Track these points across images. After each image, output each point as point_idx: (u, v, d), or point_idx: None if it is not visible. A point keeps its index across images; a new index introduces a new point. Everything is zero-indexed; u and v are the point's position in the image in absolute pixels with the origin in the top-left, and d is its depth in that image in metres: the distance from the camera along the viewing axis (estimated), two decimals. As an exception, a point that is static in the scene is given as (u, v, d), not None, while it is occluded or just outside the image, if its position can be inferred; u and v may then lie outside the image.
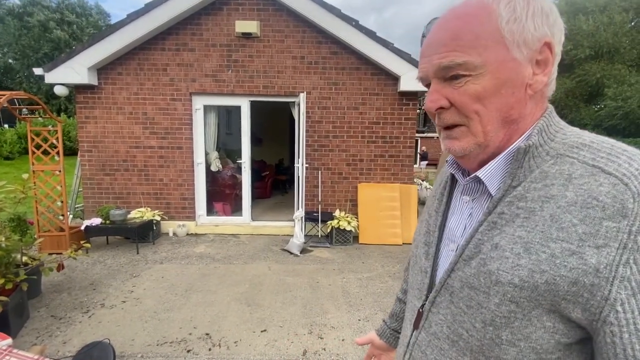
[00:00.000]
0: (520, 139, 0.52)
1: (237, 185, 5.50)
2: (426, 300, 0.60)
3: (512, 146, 0.52)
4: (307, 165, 4.88)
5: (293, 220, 4.84)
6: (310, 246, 4.61)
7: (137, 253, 4.19)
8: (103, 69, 4.91)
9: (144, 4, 4.67)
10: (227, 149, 6.40)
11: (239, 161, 5.25)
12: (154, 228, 4.68)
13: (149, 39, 4.82)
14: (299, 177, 4.69)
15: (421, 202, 7.66)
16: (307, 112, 4.88)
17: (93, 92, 4.96)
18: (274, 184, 7.96)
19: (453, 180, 0.66)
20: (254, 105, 5.15)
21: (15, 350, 1.37)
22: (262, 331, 2.55)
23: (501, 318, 0.48)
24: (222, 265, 3.85)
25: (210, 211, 5.34)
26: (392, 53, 4.73)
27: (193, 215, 5.16)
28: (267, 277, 3.55)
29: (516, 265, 0.46)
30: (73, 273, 3.55)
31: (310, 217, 4.88)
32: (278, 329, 2.58)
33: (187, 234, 5.03)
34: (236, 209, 5.41)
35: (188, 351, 2.29)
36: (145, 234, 4.55)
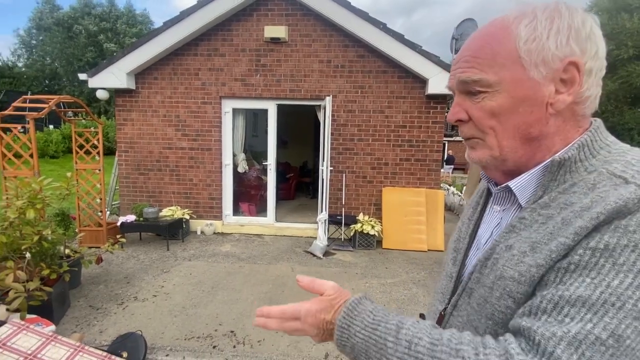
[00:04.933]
0: (559, 153, 0.51)
1: (263, 186, 5.61)
2: (449, 304, 0.62)
3: (548, 160, 0.52)
4: (331, 168, 4.90)
5: (316, 223, 4.87)
6: (333, 249, 4.61)
7: (168, 250, 4.38)
8: (140, 74, 5.19)
9: (179, 11, 4.90)
10: (254, 151, 6.56)
11: (265, 163, 5.35)
12: (184, 226, 4.86)
13: (182, 45, 5.04)
14: (323, 179, 4.71)
15: (448, 208, 7.46)
16: (333, 116, 4.90)
17: (131, 96, 5.24)
18: (297, 186, 8.04)
19: (488, 190, 0.67)
20: (280, 108, 5.25)
21: (58, 337, 1.48)
22: (284, 331, 2.59)
23: (499, 313, 0.49)
24: (246, 264, 3.94)
25: (236, 211, 5.49)
26: (419, 56, 4.66)
27: (220, 214, 5.32)
28: (290, 278, 3.59)
29: (520, 262, 0.48)
30: (109, 266, 3.76)
31: (333, 220, 4.88)
32: (300, 330, 2.61)
33: (214, 233, 5.18)
34: (261, 210, 5.52)
35: (214, 347, 2.37)
36: (176, 231, 4.74)
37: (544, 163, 0.52)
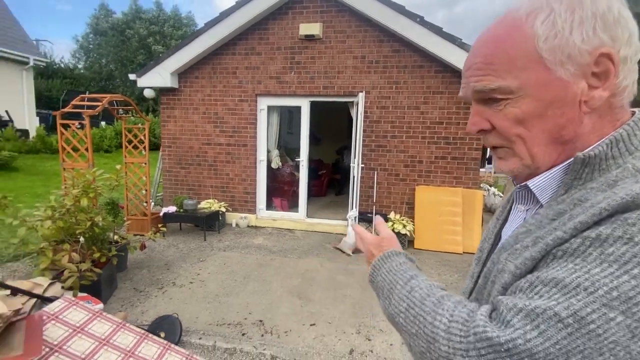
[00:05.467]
0: (585, 150, 0.47)
1: (295, 182, 5.70)
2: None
3: (571, 159, 0.48)
4: (363, 165, 4.86)
5: (347, 220, 4.86)
6: (364, 247, 4.57)
7: (205, 240, 4.61)
8: (183, 74, 5.48)
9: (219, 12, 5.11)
10: (288, 148, 6.68)
11: (298, 159, 5.43)
12: (220, 218, 5.09)
13: (222, 45, 5.25)
14: (354, 176, 4.69)
15: (488, 210, 7.08)
16: (366, 112, 4.85)
17: (174, 94, 5.56)
18: (330, 183, 8.06)
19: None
20: (314, 105, 5.29)
21: (104, 313, 1.62)
22: (311, 325, 2.63)
23: None
24: (277, 257, 4.04)
25: (269, 206, 5.63)
26: (459, 49, 4.45)
27: (254, 208, 5.50)
28: (319, 273, 3.63)
29: (519, 255, 0.47)
30: (152, 253, 4.04)
31: (364, 217, 4.84)
32: (327, 325, 2.63)
33: (248, 226, 5.37)
34: (293, 205, 5.61)
35: (243, 334, 2.46)
36: (212, 223, 4.98)
37: (567, 161, 0.49)
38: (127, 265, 3.54)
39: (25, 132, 10.31)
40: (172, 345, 1.60)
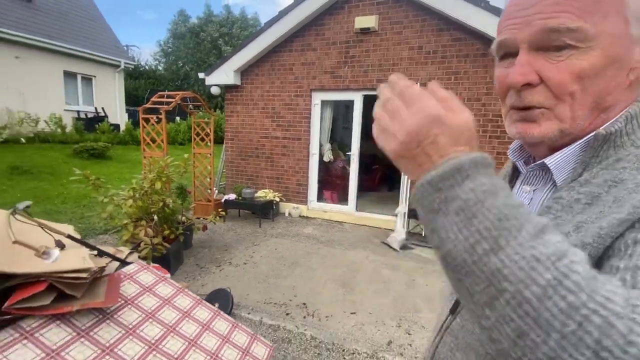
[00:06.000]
0: (604, 126, 0.45)
1: (346, 176, 5.77)
2: None
3: (591, 134, 0.45)
4: (415, 159, 4.72)
5: (395, 215, 4.79)
6: (412, 244, 4.48)
7: (259, 226, 4.94)
8: (245, 71, 5.88)
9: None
10: (342, 142, 6.75)
11: (349, 153, 5.48)
12: (274, 207, 5.40)
13: (280, 43, 5.50)
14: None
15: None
16: (421, 105, 4.69)
17: (237, 91, 6.00)
18: (383, 178, 7.95)
19: (514, 170, 0.61)
20: (369, 100, 5.28)
21: (169, 279, 1.90)
22: (352, 313, 2.70)
23: None
24: (325, 247, 4.18)
25: (320, 198, 5.80)
26: (529, 34, 4.06)
27: (305, 200, 5.71)
28: (363, 265, 3.67)
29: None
30: (213, 235, 4.47)
31: (414, 214, 4.71)
32: (367, 315, 2.68)
33: (300, 216, 5.60)
34: (343, 198, 5.70)
35: (287, 314, 2.64)
36: (267, 211, 5.30)
37: (586, 137, 0.46)
38: (192, 243, 3.98)
39: (117, 126, 11.97)
40: (222, 313, 1.81)
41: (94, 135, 10.28)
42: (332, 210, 5.61)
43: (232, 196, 5.31)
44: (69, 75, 11.55)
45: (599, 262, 0.39)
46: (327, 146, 5.92)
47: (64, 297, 1.26)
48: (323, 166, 5.92)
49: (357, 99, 5.22)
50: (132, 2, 67.50)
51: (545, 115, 0.46)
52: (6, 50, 9.62)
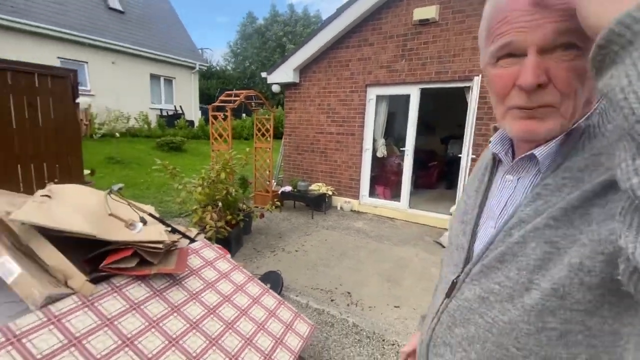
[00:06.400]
0: (582, 120, 0.51)
1: (400, 172, 5.68)
2: (462, 272, 0.62)
3: (571, 127, 0.51)
4: (474, 156, 4.47)
5: (450, 214, 4.60)
6: (468, 244, 4.27)
7: (312, 218, 5.16)
8: (303, 69, 6.12)
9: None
10: (395, 137, 6.64)
11: (403, 149, 5.39)
12: (326, 200, 5.57)
13: (337, 39, 5.60)
14: (462, 168, 4.38)
15: None
16: (482, 97, 4.41)
17: (296, 88, 6.27)
18: (440, 175, 7.61)
19: (494, 161, 0.66)
20: (427, 94, 5.12)
21: (227, 257, 2.16)
22: (395, 306, 2.73)
23: (535, 260, 0.49)
24: (373, 242, 4.22)
25: (372, 193, 5.81)
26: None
27: (357, 194, 5.77)
28: (412, 262, 3.63)
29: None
30: (270, 223, 4.80)
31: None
32: (411, 310, 2.69)
33: (351, 210, 5.69)
34: (395, 195, 5.63)
35: (332, 300, 2.77)
36: (320, 204, 5.50)
37: (568, 129, 0.51)
38: (251, 230, 4.34)
39: (191, 123, 13.30)
40: (271, 291, 2.01)
41: (173, 130, 11.59)
42: (383, 206, 5.59)
43: (288, 188, 5.60)
44: (154, 77, 13.14)
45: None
46: (381, 141, 5.89)
47: (144, 262, 1.55)
48: (376, 162, 5.90)
49: (414, 93, 5.09)
50: (207, 7, 73.54)
51: (551, 113, 0.49)
52: (105, 57, 11.32)
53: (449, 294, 0.64)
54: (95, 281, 1.36)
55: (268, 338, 1.64)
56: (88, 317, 1.23)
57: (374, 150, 5.79)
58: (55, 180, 3.26)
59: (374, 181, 5.88)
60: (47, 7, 10.13)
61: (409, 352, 0.86)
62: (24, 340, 1.05)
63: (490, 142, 0.65)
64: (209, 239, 2.92)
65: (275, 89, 6.61)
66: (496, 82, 0.53)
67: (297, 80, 6.17)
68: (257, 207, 5.19)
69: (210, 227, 3.04)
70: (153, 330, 1.33)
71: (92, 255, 1.45)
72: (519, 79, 0.49)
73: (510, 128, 0.54)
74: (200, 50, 17.96)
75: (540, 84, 0.47)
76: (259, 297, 1.89)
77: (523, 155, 0.56)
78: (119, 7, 12.71)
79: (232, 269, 1.98)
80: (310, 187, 5.73)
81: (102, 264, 1.43)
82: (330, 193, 5.71)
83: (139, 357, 1.21)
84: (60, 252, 1.33)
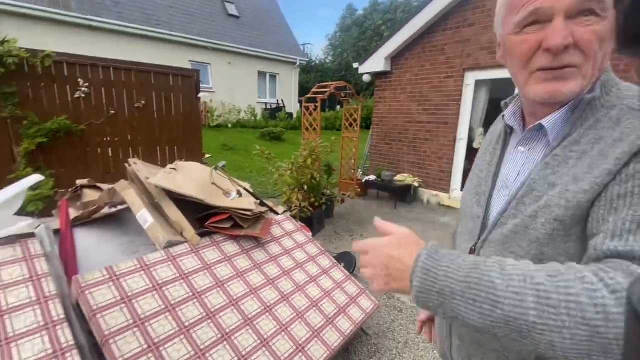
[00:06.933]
0: (586, 92, 0.55)
1: (499, 165, 5.12)
2: (479, 240, 0.66)
3: (577, 99, 0.56)
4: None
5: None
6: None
7: (395, 208, 5.12)
8: (395, 57, 6.00)
9: (432, -10, 5.15)
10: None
11: (505, 139, 4.83)
12: (412, 192, 5.43)
13: (434, 23, 5.31)
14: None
15: None
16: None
17: (387, 77, 6.21)
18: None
19: (506, 134, 0.70)
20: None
21: (304, 231, 2.40)
22: (473, 304, 2.58)
23: (545, 235, 0.54)
24: (459, 237, 3.97)
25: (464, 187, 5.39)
26: None
27: (447, 188, 5.45)
28: (502, 262, 3.31)
29: (565, 191, 0.53)
30: (352, 210, 4.97)
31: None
32: (491, 311, 2.50)
33: (438, 204, 5.42)
34: (493, 190, 5.10)
35: (404, 288, 2.79)
36: (404, 195, 5.40)
37: (572, 102, 0.56)
38: (333, 214, 4.59)
39: (290, 115, 14.38)
40: (340, 266, 2.17)
41: (275, 122, 12.76)
42: (477, 201, 5.14)
43: (373, 177, 5.66)
44: (261, 74, 14.63)
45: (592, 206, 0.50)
46: (480, 131, 5.39)
47: (237, 225, 1.89)
48: (471, 153, 5.44)
49: (521, 76, 4.49)
50: (311, 1, 76.96)
51: (573, 74, 0.53)
52: (223, 58, 13.09)
53: None
54: (200, 235, 1.74)
55: (332, 305, 1.81)
56: (194, 261, 1.60)
57: (470, 140, 5.34)
58: (183, 159, 4.09)
59: (468, 174, 5.44)
60: (182, 19, 12.26)
61: (424, 320, 0.92)
62: (151, 270, 1.45)
63: (502, 116, 0.70)
64: (294, 216, 3.25)
65: (366, 78, 6.66)
66: (521, 47, 0.56)
67: (389, 69, 6.09)
68: (342, 193, 5.41)
69: (295, 206, 3.37)
70: (238, 279, 1.64)
71: (201, 216, 1.85)
72: (546, 42, 0.52)
73: (535, 92, 0.57)
74: (302, 47, 19.11)
75: (567, 45, 0.51)
76: (329, 270, 2.07)
77: (533, 125, 0.61)
78: (235, 13, 14.49)
79: (307, 242, 2.22)
80: (396, 178, 5.66)
81: (206, 223, 1.81)
82: (416, 185, 5.54)
83: (227, 297, 1.52)
84: (179, 211, 1.74)
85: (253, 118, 12.80)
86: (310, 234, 3.33)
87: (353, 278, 2.11)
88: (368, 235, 3.96)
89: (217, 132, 10.22)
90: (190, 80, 4.00)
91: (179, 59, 11.18)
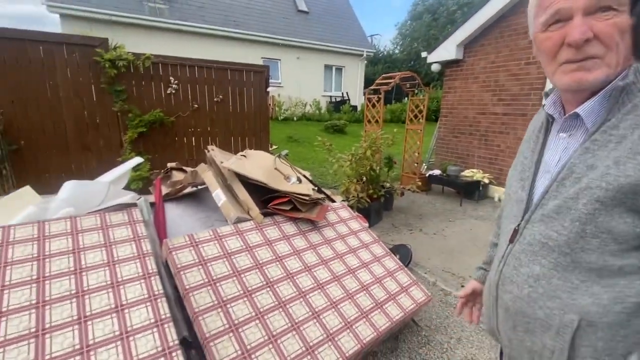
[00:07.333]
0: (617, 79, 0.59)
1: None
2: (522, 220, 0.71)
3: (609, 85, 0.60)
4: None
5: None
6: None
7: (460, 205, 4.86)
8: (468, 44, 5.60)
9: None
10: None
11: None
12: (480, 189, 5.08)
13: (512, 6, 4.82)
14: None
15: None
16: None
17: (457, 66, 5.85)
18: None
19: (548, 123, 0.74)
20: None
21: (358, 218, 2.47)
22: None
23: (586, 215, 0.59)
24: (532, 240, 3.63)
25: (544, 186, 4.86)
26: None
27: (523, 186, 4.96)
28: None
29: (605, 174, 0.57)
30: (412, 205, 4.86)
31: None
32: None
33: (511, 203, 4.97)
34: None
35: (462, 286, 2.69)
36: (471, 192, 5.08)
37: (606, 89, 0.59)
38: (392, 207, 4.55)
39: (354, 107, 14.36)
40: (393, 255, 2.20)
41: (338, 115, 12.90)
42: (558, 202, 4.60)
43: (437, 172, 5.43)
44: (327, 67, 14.85)
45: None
46: (565, 124, 4.78)
47: (295, 209, 2.05)
48: (555, 148, 4.86)
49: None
50: (383, -10, 74.85)
51: (597, 64, 0.59)
52: (292, 54, 13.60)
53: (512, 240, 0.74)
54: (264, 215, 1.94)
55: (382, 291, 1.86)
56: (257, 236, 1.79)
57: (552, 135, 4.77)
58: (252, 149, 4.46)
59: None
60: (257, 18, 13.03)
61: (464, 301, 1.02)
62: (222, 240, 1.68)
63: (543, 106, 0.74)
64: (351, 206, 3.33)
65: (435, 68, 6.35)
66: (547, 44, 0.63)
67: (460, 57, 5.72)
68: (403, 187, 5.32)
69: (353, 196, 3.45)
70: (295, 257, 1.80)
71: (264, 198, 2.05)
72: (567, 38, 0.60)
73: (562, 81, 0.63)
74: (369, 38, 18.82)
75: (587, 39, 0.57)
76: (381, 258, 2.12)
77: (569, 114, 0.65)
78: (305, 8, 14.89)
79: (361, 229, 2.29)
80: (463, 173, 5.35)
81: (269, 204, 2.01)
82: (486, 181, 5.15)
83: (284, 271, 1.68)
84: (247, 192, 1.96)
85: (318, 111, 13.11)
86: (367, 224, 3.39)
87: (406, 269, 2.13)
88: (427, 230, 3.86)
89: (284, 124, 10.75)
90: (261, 75, 4.31)
91: (252, 56, 11.96)
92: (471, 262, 3.08)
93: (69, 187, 1.76)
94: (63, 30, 9.59)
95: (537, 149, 0.74)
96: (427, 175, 5.51)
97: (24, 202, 1.84)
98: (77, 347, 1.07)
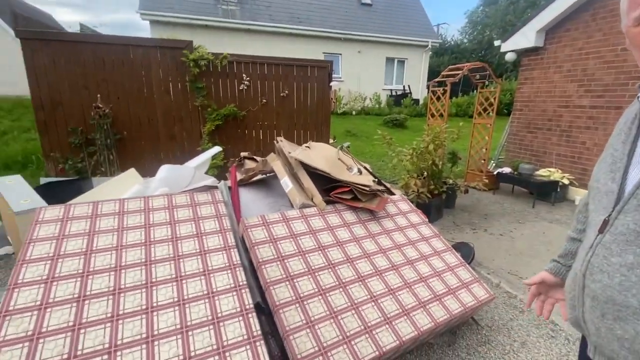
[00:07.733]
0: None
1: None
2: (613, 211, 0.71)
3: None
4: None
5: None
6: None
7: (533, 207, 4.47)
8: (551, 30, 5.06)
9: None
10: None
11: None
12: (558, 190, 4.60)
13: (611, -19, 4.23)
14: None
15: None
16: None
17: (537, 54, 5.32)
18: None
19: None
20: None
21: (418, 211, 2.46)
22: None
23: None
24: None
25: (640, 190, 4.22)
26: None
27: (612, 188, 4.37)
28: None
29: None
30: (478, 203, 4.61)
31: None
32: None
33: (596, 207, 4.42)
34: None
35: (529, 290, 2.51)
36: (547, 193, 4.63)
37: None
38: (454, 205, 4.37)
39: (416, 101, 13.83)
40: (454, 251, 2.16)
41: (399, 109, 12.58)
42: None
43: (507, 170, 5.05)
44: (389, 60, 14.50)
45: None
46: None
47: (356, 198, 2.13)
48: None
49: None
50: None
51: None
52: (353, 48, 13.55)
53: (601, 230, 0.74)
54: (326, 202, 2.06)
55: (441, 285, 1.86)
56: (320, 222, 1.92)
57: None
58: (314, 141, 4.65)
59: None
60: (319, 13, 13.25)
61: (533, 283, 1.02)
62: (289, 222, 1.83)
63: (638, 97, 0.73)
64: (410, 201, 3.31)
65: (510, 57, 5.85)
66: None
67: (541, 44, 5.20)
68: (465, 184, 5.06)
69: (413, 191, 3.41)
70: (355, 244, 1.89)
71: (327, 187, 2.17)
72: None
73: None
74: (435, 27, 17.86)
75: None
76: (441, 252, 2.10)
77: None
78: (368, 1, 14.69)
79: (421, 223, 2.28)
80: (538, 172, 4.89)
81: (331, 193, 2.12)
82: (566, 182, 4.65)
83: (344, 256, 1.78)
84: (311, 180, 2.10)
85: (377, 105, 12.93)
86: (427, 219, 3.34)
87: (467, 265, 2.08)
88: (493, 231, 3.65)
89: (342, 119, 10.83)
90: (324, 70, 4.44)
91: (314, 51, 12.22)
92: (540, 265, 2.83)
93: (165, 170, 2.08)
94: (152, 35, 10.88)
95: (630, 140, 0.73)
96: (495, 173, 5.16)
97: (131, 182, 2.22)
98: (176, 299, 1.31)
